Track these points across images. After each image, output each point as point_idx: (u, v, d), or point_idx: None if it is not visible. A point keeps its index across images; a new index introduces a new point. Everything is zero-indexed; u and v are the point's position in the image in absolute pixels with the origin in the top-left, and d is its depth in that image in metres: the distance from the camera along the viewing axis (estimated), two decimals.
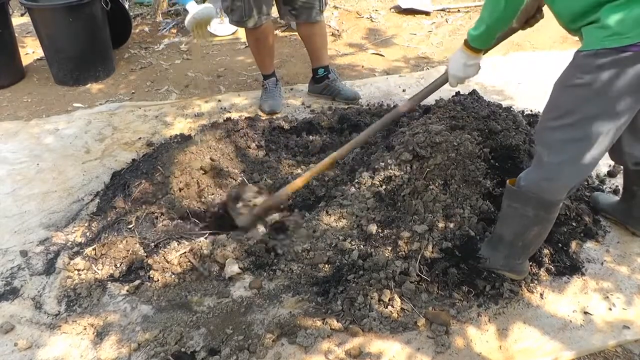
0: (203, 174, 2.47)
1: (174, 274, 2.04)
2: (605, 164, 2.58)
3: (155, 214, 2.30)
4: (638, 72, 1.45)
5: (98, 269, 2.09)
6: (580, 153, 1.60)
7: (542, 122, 1.71)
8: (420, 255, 1.97)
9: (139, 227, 2.25)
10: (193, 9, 2.77)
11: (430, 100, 3.25)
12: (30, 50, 4.53)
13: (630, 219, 2.15)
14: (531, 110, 3.08)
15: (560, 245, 2.08)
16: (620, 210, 2.19)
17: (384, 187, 2.23)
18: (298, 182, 2.22)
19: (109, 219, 2.33)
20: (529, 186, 1.74)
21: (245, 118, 2.99)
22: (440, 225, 2.06)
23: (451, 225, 2.06)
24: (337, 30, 4.69)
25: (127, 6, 4.46)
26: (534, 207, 1.75)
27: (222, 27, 4.70)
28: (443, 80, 1.99)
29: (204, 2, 2.86)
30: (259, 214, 2.23)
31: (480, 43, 1.80)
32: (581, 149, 1.60)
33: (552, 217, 1.79)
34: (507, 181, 1.84)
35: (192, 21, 2.80)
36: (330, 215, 2.19)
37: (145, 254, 2.13)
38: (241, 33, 4.65)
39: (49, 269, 2.14)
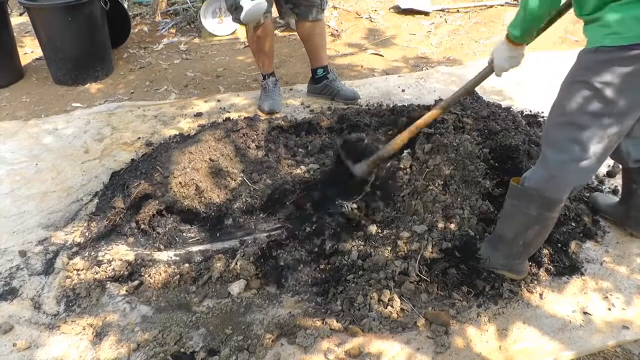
0: (202, 174, 2.46)
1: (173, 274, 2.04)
2: (604, 164, 2.57)
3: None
4: (637, 71, 1.45)
5: (97, 269, 2.08)
6: (584, 152, 1.60)
7: (548, 121, 1.72)
8: (419, 256, 1.97)
9: None
10: (248, 4, 2.78)
11: (430, 100, 3.26)
12: (29, 50, 4.52)
13: (628, 219, 2.15)
14: (530, 111, 3.08)
15: (559, 245, 2.08)
16: (618, 211, 2.19)
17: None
18: (404, 135, 2.17)
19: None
20: (533, 184, 1.74)
21: (245, 118, 2.99)
22: (440, 225, 2.06)
23: (451, 225, 2.05)
24: (337, 31, 4.69)
25: (126, 6, 4.45)
26: (538, 206, 1.75)
27: (221, 27, 4.70)
28: (489, 70, 1.99)
29: None
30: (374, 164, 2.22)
31: (520, 39, 1.80)
32: (585, 148, 1.60)
33: (554, 216, 1.79)
34: (512, 179, 1.84)
35: (249, 17, 2.83)
36: None
37: (144, 255, 2.12)
38: (240, 33, 4.65)
39: (48, 269, 2.14)
